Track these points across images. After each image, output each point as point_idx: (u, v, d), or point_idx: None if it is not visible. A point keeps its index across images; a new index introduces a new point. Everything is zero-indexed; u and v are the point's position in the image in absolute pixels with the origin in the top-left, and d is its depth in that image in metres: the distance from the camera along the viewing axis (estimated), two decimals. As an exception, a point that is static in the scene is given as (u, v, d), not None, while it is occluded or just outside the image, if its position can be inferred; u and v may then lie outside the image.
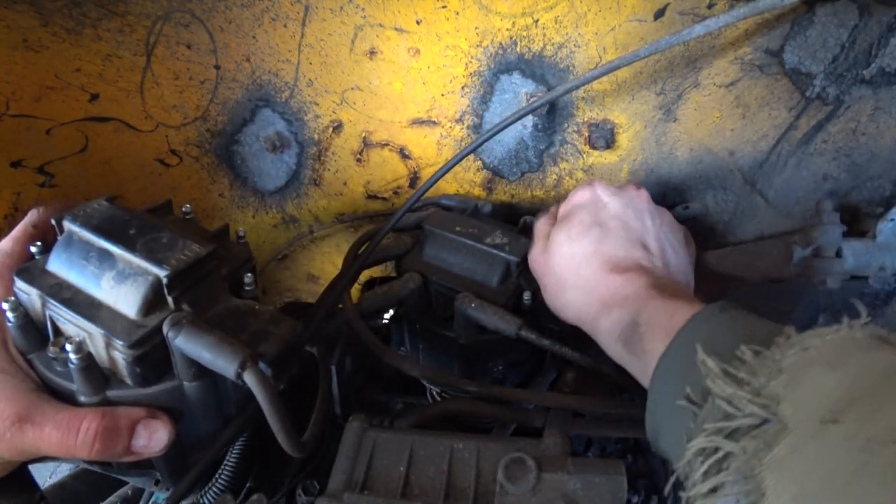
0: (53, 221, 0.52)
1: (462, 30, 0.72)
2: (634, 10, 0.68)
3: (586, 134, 0.79)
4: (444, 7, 0.70)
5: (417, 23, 0.71)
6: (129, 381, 0.49)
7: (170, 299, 0.49)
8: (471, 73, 0.76)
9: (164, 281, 0.48)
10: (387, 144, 0.83)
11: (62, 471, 0.93)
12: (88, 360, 0.47)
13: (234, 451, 0.71)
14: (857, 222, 0.74)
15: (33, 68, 0.67)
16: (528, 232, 0.77)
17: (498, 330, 0.64)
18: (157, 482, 0.67)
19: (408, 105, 0.79)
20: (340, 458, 0.50)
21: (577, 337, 0.62)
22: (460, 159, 0.74)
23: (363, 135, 0.82)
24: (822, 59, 0.68)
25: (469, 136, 0.81)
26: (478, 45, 0.73)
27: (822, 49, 0.68)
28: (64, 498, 0.78)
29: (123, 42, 0.70)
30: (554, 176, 0.84)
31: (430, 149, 0.83)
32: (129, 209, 0.56)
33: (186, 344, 0.47)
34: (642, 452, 0.66)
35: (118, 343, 0.47)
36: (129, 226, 0.52)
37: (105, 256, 0.50)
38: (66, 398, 0.49)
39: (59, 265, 0.51)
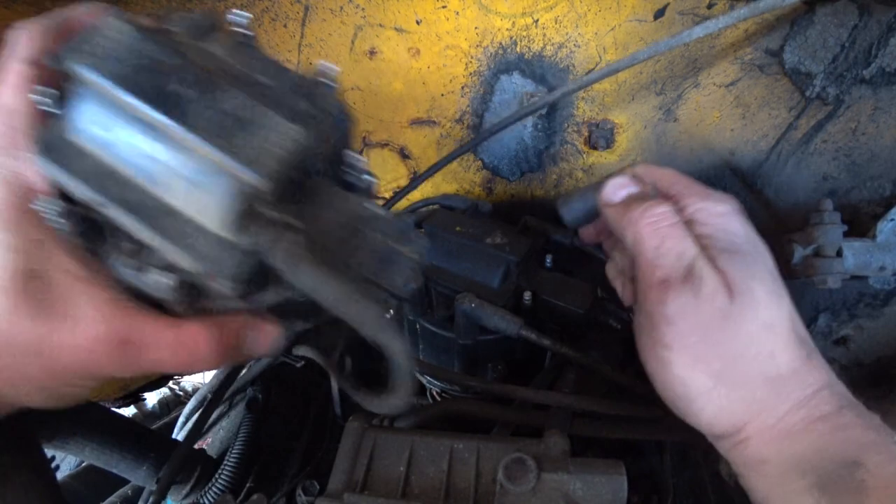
0: (50, 59, 0.37)
1: (462, 30, 0.72)
2: (634, 10, 0.68)
3: (586, 134, 0.79)
4: (444, 7, 0.70)
5: (417, 23, 0.71)
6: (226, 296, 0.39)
7: (269, 213, 0.37)
8: (471, 73, 0.76)
9: (265, 194, 0.36)
10: (387, 144, 0.83)
11: (62, 471, 0.94)
12: (181, 285, 0.38)
13: (234, 451, 0.72)
14: (857, 222, 0.74)
15: (33, 68, 0.67)
16: (528, 232, 0.77)
17: (498, 330, 0.64)
18: (157, 481, 0.67)
19: (408, 105, 0.79)
20: (340, 458, 0.50)
21: (577, 336, 0.62)
22: (453, 158, 0.74)
23: (363, 135, 0.82)
24: (822, 59, 0.68)
25: (469, 136, 0.81)
26: (478, 45, 0.73)
27: (822, 49, 0.68)
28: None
29: (123, 42, 0.69)
30: (554, 176, 0.83)
31: (430, 149, 0.83)
32: (156, 31, 0.39)
33: (305, 281, 0.37)
34: (642, 452, 0.66)
35: (219, 279, 0.37)
36: (185, 80, 0.37)
37: (165, 140, 0.36)
38: (152, 300, 0.41)
39: (90, 138, 0.37)
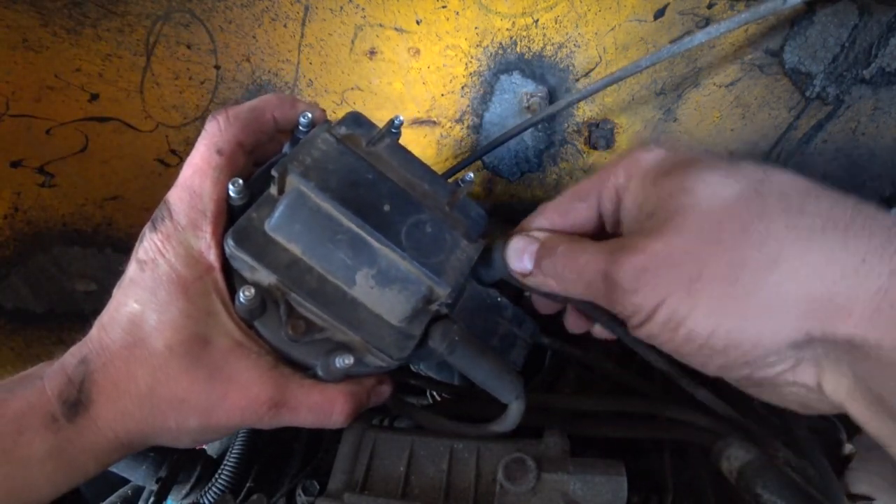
0: (278, 168, 0.42)
1: (462, 30, 0.72)
2: (634, 9, 0.68)
3: (586, 134, 0.79)
4: (444, 7, 0.70)
5: (417, 23, 0.71)
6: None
7: (438, 308, 0.46)
8: (471, 73, 0.76)
9: (444, 299, 0.45)
10: (387, 144, 0.83)
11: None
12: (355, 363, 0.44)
13: (234, 451, 0.72)
14: (857, 222, 0.74)
15: (33, 68, 0.67)
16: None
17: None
18: (157, 480, 0.67)
19: (408, 105, 0.79)
20: (340, 458, 0.50)
21: (578, 336, 0.62)
22: (462, 167, 0.74)
23: (363, 135, 0.82)
24: (822, 59, 0.68)
25: (469, 135, 0.81)
26: (478, 45, 0.73)
27: (822, 49, 0.68)
28: (64, 498, 0.78)
29: (123, 42, 0.69)
30: (554, 176, 0.83)
31: (430, 149, 0.83)
32: (358, 148, 0.45)
33: (459, 361, 0.47)
34: (642, 452, 0.66)
35: (386, 357, 0.44)
36: (379, 193, 0.43)
37: (361, 245, 0.43)
38: (299, 365, 0.46)
39: (289, 235, 0.43)
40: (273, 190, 0.44)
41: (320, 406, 0.46)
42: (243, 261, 0.43)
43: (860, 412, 0.34)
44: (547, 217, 0.48)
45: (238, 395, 0.43)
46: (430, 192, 0.49)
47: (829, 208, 0.33)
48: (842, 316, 0.31)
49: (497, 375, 0.48)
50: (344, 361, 0.43)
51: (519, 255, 0.47)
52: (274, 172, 0.43)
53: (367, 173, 0.44)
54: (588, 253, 0.42)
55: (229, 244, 0.42)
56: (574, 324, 0.53)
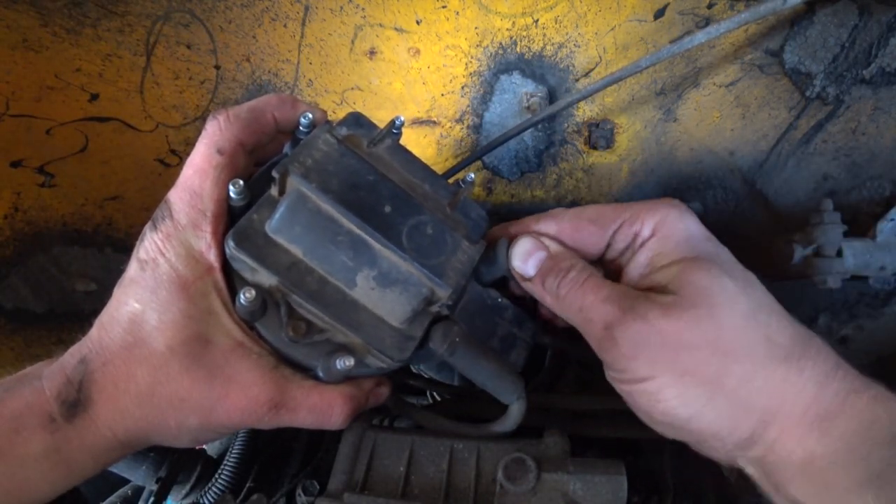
0: (279, 169, 0.42)
1: (462, 30, 0.72)
2: (634, 9, 0.68)
3: (586, 134, 0.79)
4: (444, 7, 0.70)
5: (417, 23, 0.71)
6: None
7: (439, 309, 0.46)
8: (471, 73, 0.76)
9: (445, 300, 0.45)
10: (387, 144, 0.83)
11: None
12: (356, 365, 0.44)
13: (234, 451, 0.72)
14: (857, 222, 0.74)
15: (33, 68, 0.67)
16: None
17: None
18: (157, 480, 0.67)
19: (408, 105, 0.79)
20: (340, 458, 0.50)
21: (578, 335, 0.62)
22: (463, 167, 0.74)
23: (363, 135, 0.82)
24: (822, 59, 0.68)
25: (469, 136, 0.81)
26: (478, 45, 0.73)
27: (822, 49, 0.68)
28: (64, 498, 0.78)
29: (123, 42, 0.69)
30: (554, 176, 0.83)
31: (430, 149, 0.83)
32: (359, 150, 0.46)
33: (460, 362, 0.47)
34: (642, 452, 0.66)
35: (386, 358, 0.44)
36: (380, 195, 0.43)
37: (362, 247, 0.43)
38: (300, 366, 0.46)
39: (290, 236, 0.43)
40: (274, 191, 0.44)
41: (319, 407, 0.46)
42: (244, 262, 0.43)
43: (765, 487, 0.42)
44: (558, 225, 0.49)
45: (238, 396, 0.43)
46: (431, 193, 0.49)
47: (795, 342, 0.41)
48: (777, 424, 0.39)
49: (498, 376, 0.48)
50: (344, 363, 0.43)
51: (524, 258, 0.48)
52: (275, 173, 0.43)
53: (367, 174, 0.44)
54: (599, 295, 0.44)
55: (230, 245, 0.42)
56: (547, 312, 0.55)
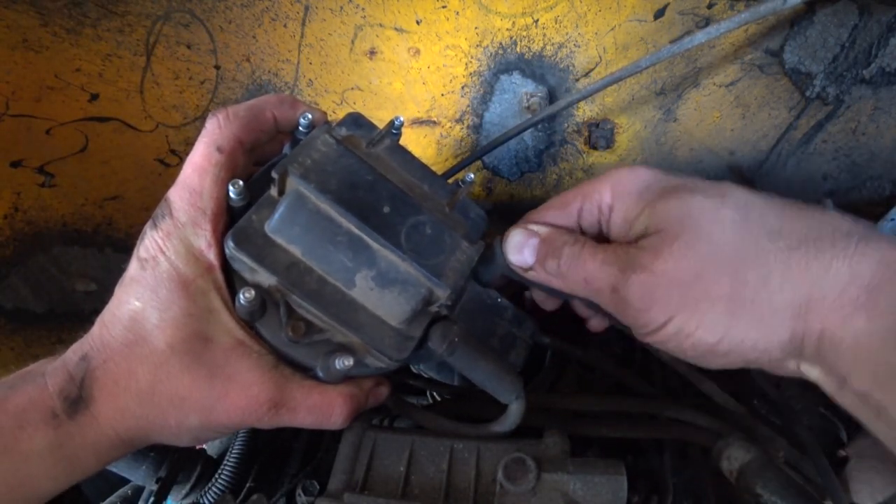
0: (278, 170, 0.42)
1: (462, 30, 0.72)
2: (634, 9, 0.68)
3: (586, 134, 0.79)
4: (444, 7, 0.70)
5: (417, 23, 0.71)
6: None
7: (438, 309, 0.46)
8: (471, 73, 0.76)
9: (444, 300, 0.45)
10: (387, 144, 0.83)
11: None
12: (355, 364, 0.44)
13: (234, 451, 0.72)
14: (857, 222, 0.74)
15: (33, 68, 0.67)
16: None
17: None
18: (157, 480, 0.67)
19: (408, 105, 0.79)
20: (340, 458, 0.50)
21: (577, 334, 0.62)
22: (463, 167, 0.74)
23: (363, 135, 0.82)
24: (822, 59, 0.68)
25: (469, 135, 0.81)
26: (478, 45, 0.73)
27: (822, 49, 0.68)
28: (64, 497, 0.78)
29: (123, 42, 0.69)
30: (554, 176, 0.83)
31: (430, 149, 0.83)
32: (358, 150, 0.46)
33: (459, 362, 0.47)
34: (642, 452, 0.66)
35: (385, 358, 0.45)
36: (378, 195, 0.43)
37: (360, 247, 0.43)
38: (300, 366, 0.47)
39: (289, 237, 0.43)
40: (273, 191, 0.44)
41: (319, 407, 0.46)
42: (243, 262, 0.43)
43: (829, 389, 0.39)
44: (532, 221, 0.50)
45: (238, 395, 0.43)
46: (430, 193, 0.49)
47: (802, 226, 0.39)
48: (815, 315, 0.37)
49: (497, 376, 0.48)
50: (344, 363, 0.43)
51: (519, 249, 0.48)
52: (274, 174, 0.43)
53: (366, 175, 0.44)
54: (596, 261, 0.44)
55: (229, 246, 0.42)
56: (581, 311, 0.55)
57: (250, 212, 0.43)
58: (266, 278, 0.43)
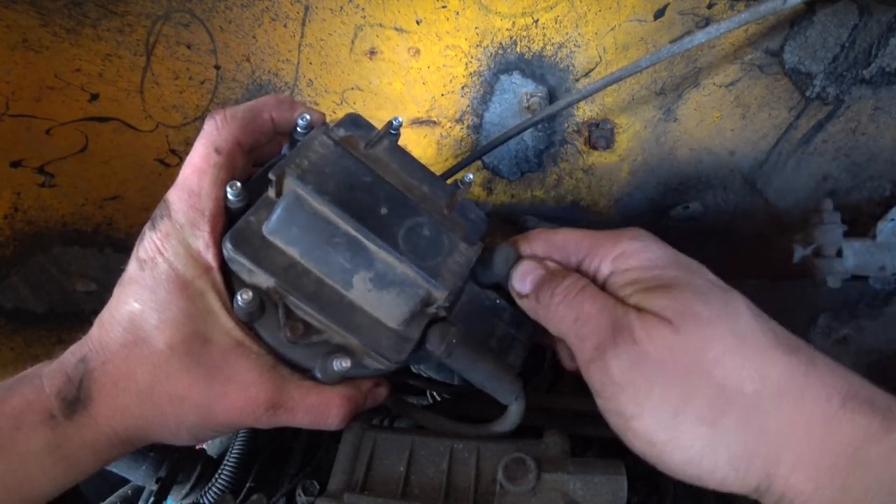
0: (275, 171, 0.42)
1: (462, 30, 0.72)
2: (634, 9, 0.68)
3: (586, 134, 0.79)
4: (444, 7, 0.70)
5: (417, 23, 0.71)
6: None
7: (436, 311, 0.46)
8: (471, 73, 0.76)
9: (441, 302, 0.45)
10: (387, 144, 0.83)
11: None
12: (353, 365, 0.44)
13: (234, 451, 0.72)
14: (857, 222, 0.75)
15: (33, 68, 0.67)
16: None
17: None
18: (157, 480, 0.67)
19: (408, 105, 0.79)
20: (340, 458, 0.50)
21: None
22: (463, 167, 0.74)
23: (363, 135, 0.82)
24: (822, 59, 0.68)
25: (469, 135, 0.81)
26: (478, 45, 0.73)
27: (822, 49, 0.68)
28: (64, 497, 0.78)
29: (123, 42, 0.69)
30: (554, 176, 0.83)
31: (430, 149, 0.83)
32: (356, 151, 0.46)
33: (458, 363, 0.47)
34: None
35: (383, 360, 0.44)
36: (376, 196, 0.43)
37: (358, 248, 0.43)
38: (298, 366, 0.47)
39: (286, 238, 0.42)
40: (271, 193, 0.44)
41: (317, 408, 0.46)
42: (241, 264, 0.43)
43: None
44: (530, 246, 0.49)
45: (237, 395, 0.43)
46: (429, 194, 0.49)
47: (787, 367, 0.37)
48: (786, 465, 0.36)
49: (495, 377, 0.48)
50: (342, 364, 0.43)
51: (523, 279, 0.48)
52: (271, 175, 0.43)
53: (364, 176, 0.44)
54: (595, 304, 0.42)
55: (227, 247, 0.42)
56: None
57: (248, 213, 0.44)
58: (264, 280, 0.43)
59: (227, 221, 0.46)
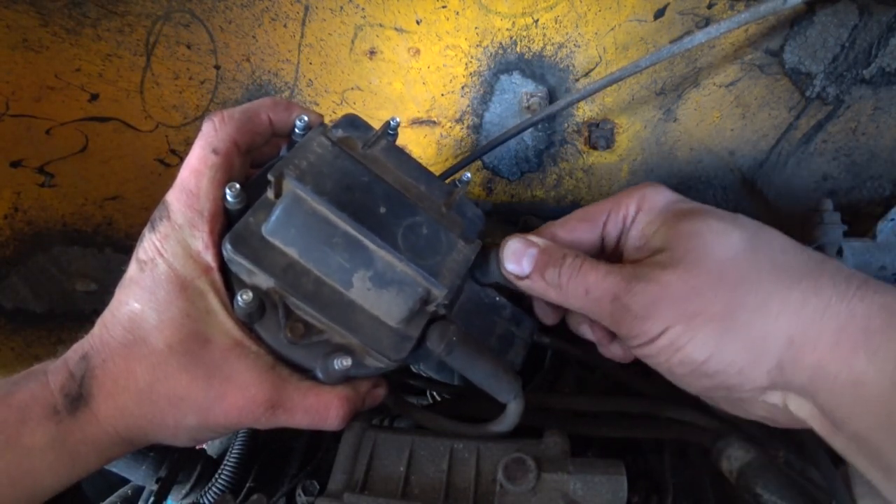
0: (273, 173, 0.42)
1: (462, 30, 0.72)
2: (634, 9, 0.68)
3: (586, 134, 0.79)
4: (444, 7, 0.70)
5: (417, 23, 0.71)
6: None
7: (436, 309, 0.47)
8: (471, 73, 0.76)
9: (441, 300, 0.45)
10: (387, 144, 0.83)
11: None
12: (354, 365, 0.44)
13: (234, 451, 0.72)
14: (857, 222, 0.75)
15: (33, 68, 0.67)
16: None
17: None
18: (157, 480, 0.67)
19: (408, 105, 0.79)
20: (340, 458, 0.50)
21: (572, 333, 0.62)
22: (463, 166, 0.74)
23: (363, 135, 0.82)
24: (822, 59, 0.68)
25: (469, 135, 0.81)
26: (478, 45, 0.73)
27: (822, 49, 0.68)
28: (65, 496, 0.78)
29: (123, 42, 0.69)
30: (554, 176, 0.83)
31: (430, 149, 0.83)
32: (354, 151, 0.46)
33: (457, 361, 0.47)
34: (642, 452, 0.66)
35: (384, 359, 0.45)
36: (375, 196, 0.44)
37: (357, 248, 0.43)
38: (298, 367, 0.47)
39: (286, 239, 0.43)
40: (269, 194, 0.44)
41: (316, 408, 0.47)
42: (241, 265, 0.43)
43: (821, 429, 0.40)
44: (551, 233, 0.50)
45: (236, 395, 0.44)
46: (427, 193, 0.49)
47: (804, 262, 0.41)
48: (809, 349, 0.38)
49: (495, 375, 0.48)
50: (342, 363, 0.43)
51: (517, 258, 0.48)
52: (270, 176, 0.43)
53: (362, 176, 0.44)
54: (599, 273, 0.45)
55: (227, 248, 0.42)
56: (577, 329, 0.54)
57: (247, 214, 0.44)
58: (264, 280, 0.43)
59: (227, 223, 0.46)
